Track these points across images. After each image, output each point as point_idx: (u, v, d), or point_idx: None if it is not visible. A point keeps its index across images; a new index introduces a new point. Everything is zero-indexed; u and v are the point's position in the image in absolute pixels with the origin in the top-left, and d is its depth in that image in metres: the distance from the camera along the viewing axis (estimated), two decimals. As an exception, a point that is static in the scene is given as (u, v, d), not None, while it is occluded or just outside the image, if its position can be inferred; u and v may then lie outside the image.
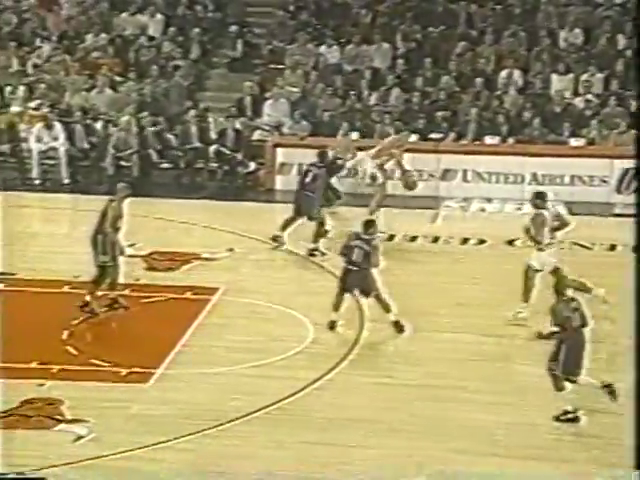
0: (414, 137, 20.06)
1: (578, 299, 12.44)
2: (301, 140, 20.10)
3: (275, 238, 16.77)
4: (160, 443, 11.97)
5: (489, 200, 19.50)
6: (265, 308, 14.71)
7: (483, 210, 19.37)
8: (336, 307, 14.44)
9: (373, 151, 18.06)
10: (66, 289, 15.30)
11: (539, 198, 14.65)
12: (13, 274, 15.75)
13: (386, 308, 14.41)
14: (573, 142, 19.94)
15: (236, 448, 11.99)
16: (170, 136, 20.43)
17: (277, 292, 15.13)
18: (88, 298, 14.62)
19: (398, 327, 14.37)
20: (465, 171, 19.77)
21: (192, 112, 20.54)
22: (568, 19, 22.13)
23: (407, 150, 18.67)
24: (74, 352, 13.79)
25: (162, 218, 17.65)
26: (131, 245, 16.27)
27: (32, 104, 20.82)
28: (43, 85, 21.10)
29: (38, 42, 22.25)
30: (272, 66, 22.06)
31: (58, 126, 19.96)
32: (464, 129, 20.43)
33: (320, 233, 16.64)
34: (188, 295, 15.41)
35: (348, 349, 14.08)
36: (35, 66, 21.82)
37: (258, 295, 15.25)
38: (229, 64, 22.44)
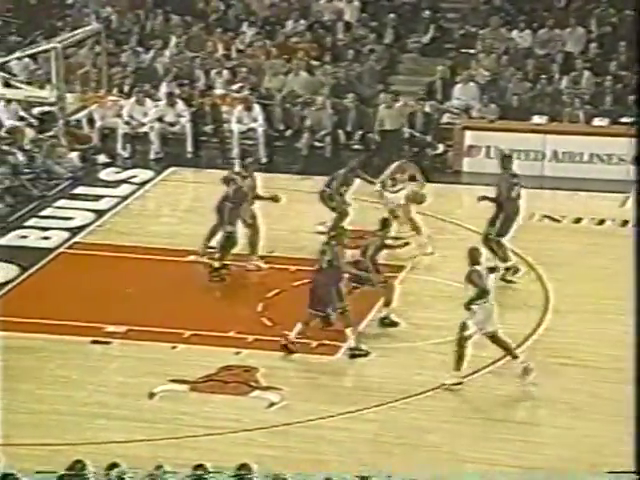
0: (605, 121, 19.97)
1: (331, 244, 13.72)
2: (490, 123, 20.29)
3: None
4: (347, 413, 12.40)
5: (682, 184, 19.16)
6: (449, 287, 14.85)
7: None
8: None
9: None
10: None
11: None
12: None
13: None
14: None
15: (419, 421, 12.29)
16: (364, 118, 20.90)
17: (462, 271, 15.31)
18: (217, 264, 15.23)
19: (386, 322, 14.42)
20: (659, 155, 19.49)
21: (382, 95, 20.95)
22: None
23: (597, 133, 18.61)
24: (268, 323, 14.34)
25: (356, 198, 18.05)
26: (321, 223, 16.81)
27: (234, 87, 21.67)
28: (244, 69, 21.85)
29: (243, 28, 22.98)
30: (463, 50, 22.24)
31: (257, 108, 20.58)
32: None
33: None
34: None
35: (531, 330, 14.19)
36: (238, 51, 22.62)
37: (443, 274, 15.41)
38: (421, 48, 22.75)
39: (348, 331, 13.70)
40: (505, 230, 15.39)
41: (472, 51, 22.02)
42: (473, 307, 12.90)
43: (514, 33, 22.21)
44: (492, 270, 13.30)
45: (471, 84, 21.05)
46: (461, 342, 12.90)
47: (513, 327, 14.16)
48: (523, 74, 21.22)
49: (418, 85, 21.70)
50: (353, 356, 13.65)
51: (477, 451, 11.73)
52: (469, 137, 19.80)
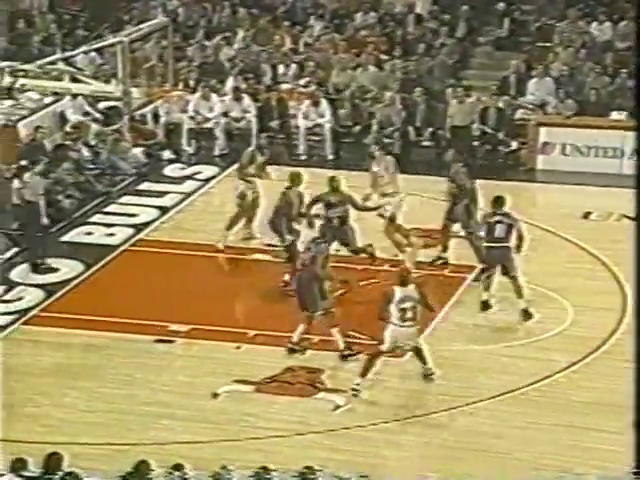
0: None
1: (317, 242, 13.66)
2: (566, 119, 19.78)
3: None
4: (413, 417, 12.20)
5: None
6: (525, 288, 14.57)
7: None
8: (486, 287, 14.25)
9: None
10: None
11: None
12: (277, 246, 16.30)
13: (519, 293, 14.11)
14: None
15: (487, 426, 12.08)
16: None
17: (538, 273, 14.94)
18: (287, 277, 14.84)
19: (526, 315, 14.07)
20: None
21: (449, 90, 20.51)
22: None
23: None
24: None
25: (420, 195, 17.73)
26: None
27: (301, 82, 21.42)
28: (312, 63, 21.58)
29: (311, 21, 22.76)
30: (539, 44, 21.79)
31: (325, 103, 20.34)
32: None
33: None
34: (445, 272, 15.48)
35: (608, 334, 13.85)
36: (306, 45, 22.36)
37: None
38: (495, 42, 22.31)
39: (334, 331, 13.32)
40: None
41: (549, 44, 21.58)
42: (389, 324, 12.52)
43: (593, 25, 21.75)
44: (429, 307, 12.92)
45: (547, 79, 20.58)
46: (372, 354, 12.64)
47: (586, 331, 13.76)
48: (602, 68, 20.71)
49: (491, 80, 21.27)
50: (344, 357, 13.30)
51: (549, 458, 11.46)
52: (543, 134, 19.37)
